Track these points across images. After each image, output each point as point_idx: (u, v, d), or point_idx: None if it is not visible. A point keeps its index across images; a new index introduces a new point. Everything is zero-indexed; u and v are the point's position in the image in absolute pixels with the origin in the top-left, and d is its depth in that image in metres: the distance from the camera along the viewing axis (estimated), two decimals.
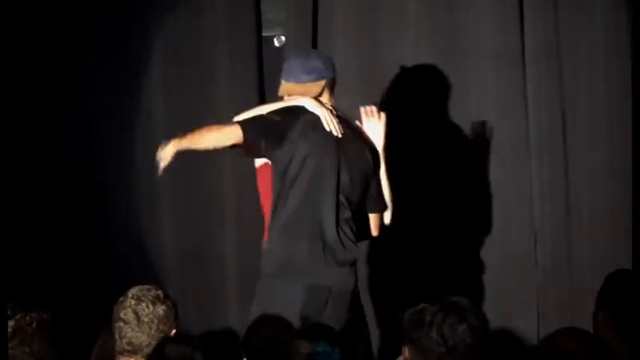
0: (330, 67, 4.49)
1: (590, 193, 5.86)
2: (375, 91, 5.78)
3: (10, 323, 3.55)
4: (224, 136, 4.32)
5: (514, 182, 5.87)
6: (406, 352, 3.82)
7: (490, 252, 5.83)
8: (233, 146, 4.34)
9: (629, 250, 5.78)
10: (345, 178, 4.39)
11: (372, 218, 4.59)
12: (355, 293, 4.45)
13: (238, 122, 4.37)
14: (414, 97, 5.90)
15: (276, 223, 4.39)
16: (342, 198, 4.38)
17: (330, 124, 4.39)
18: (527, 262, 5.89)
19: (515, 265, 5.87)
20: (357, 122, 4.63)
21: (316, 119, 4.40)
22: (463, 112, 5.88)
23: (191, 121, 6.04)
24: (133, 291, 3.72)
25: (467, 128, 5.86)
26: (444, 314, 3.52)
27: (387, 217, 4.67)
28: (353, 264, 4.44)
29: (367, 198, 4.53)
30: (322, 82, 4.46)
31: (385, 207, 4.59)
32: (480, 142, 5.85)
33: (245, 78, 6.00)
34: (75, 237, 5.96)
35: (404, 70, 5.86)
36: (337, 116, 4.45)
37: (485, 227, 5.85)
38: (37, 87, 5.89)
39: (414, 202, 5.74)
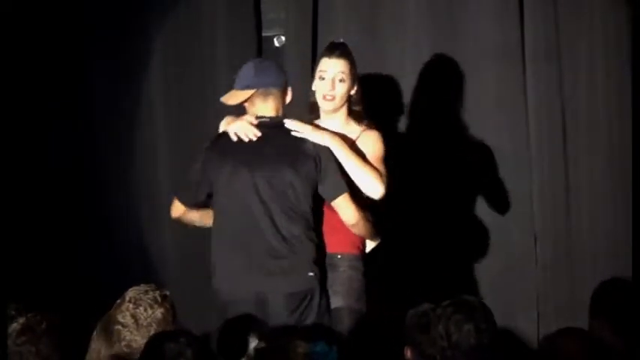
0: (263, 79, 4.49)
1: (590, 193, 5.85)
2: (375, 90, 5.78)
3: (21, 320, 3.56)
4: (174, 209, 4.67)
5: (514, 182, 5.87)
6: (408, 352, 3.82)
7: (490, 252, 5.84)
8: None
9: (629, 250, 5.78)
10: (263, 181, 4.41)
11: (336, 206, 4.50)
12: (298, 299, 4.41)
13: (175, 195, 4.65)
14: (414, 97, 5.89)
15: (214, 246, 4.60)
16: (270, 204, 4.40)
17: (241, 134, 4.46)
18: (527, 262, 5.89)
19: (515, 265, 5.87)
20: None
21: (227, 138, 4.50)
22: (463, 112, 5.87)
23: (191, 121, 6.06)
24: (131, 294, 3.71)
25: (467, 128, 5.86)
26: (454, 310, 3.53)
27: (371, 193, 4.57)
28: (302, 268, 4.42)
29: (321, 189, 4.48)
30: (249, 92, 4.50)
31: (339, 191, 4.46)
32: (479, 141, 5.86)
33: None
34: (75, 237, 5.96)
35: (404, 70, 5.86)
36: (259, 124, 4.47)
37: (486, 227, 5.85)
38: (37, 87, 5.89)
39: (414, 202, 5.74)
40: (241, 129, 4.49)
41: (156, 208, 6.06)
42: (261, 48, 6.04)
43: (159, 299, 3.69)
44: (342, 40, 4.79)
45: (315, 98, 4.72)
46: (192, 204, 4.62)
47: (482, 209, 5.84)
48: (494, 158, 5.84)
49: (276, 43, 6.11)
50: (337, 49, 4.71)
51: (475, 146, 5.85)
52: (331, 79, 4.65)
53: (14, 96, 5.76)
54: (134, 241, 6.05)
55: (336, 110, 4.70)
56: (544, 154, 5.86)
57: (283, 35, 6.07)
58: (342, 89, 4.67)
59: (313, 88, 4.72)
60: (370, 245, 4.72)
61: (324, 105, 4.69)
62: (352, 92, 4.72)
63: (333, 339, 3.60)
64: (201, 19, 6.06)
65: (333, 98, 4.66)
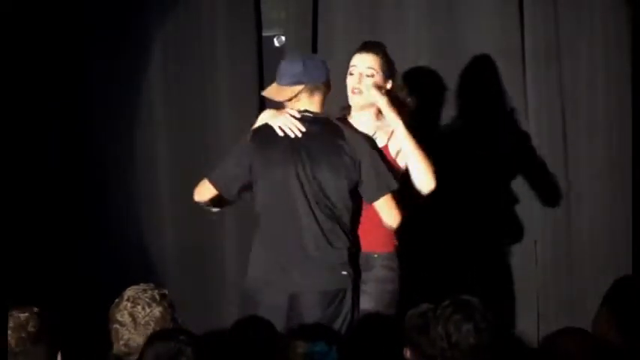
0: (313, 74, 4.46)
1: (590, 193, 5.85)
2: None
3: (12, 321, 3.54)
4: (202, 192, 4.56)
5: (514, 182, 5.87)
6: (407, 353, 3.82)
7: (490, 252, 5.83)
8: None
9: (629, 251, 5.78)
10: (308, 177, 4.39)
11: (377, 207, 4.49)
12: (335, 296, 4.40)
13: (207, 177, 4.55)
14: (414, 97, 5.89)
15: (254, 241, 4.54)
16: (311, 200, 4.39)
17: (286, 128, 4.42)
18: (527, 262, 5.89)
19: (515, 265, 5.87)
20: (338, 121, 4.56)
21: (270, 131, 4.46)
22: (463, 112, 5.87)
23: (191, 121, 6.06)
24: (129, 292, 3.71)
25: (467, 128, 5.86)
26: (453, 310, 3.53)
27: (422, 186, 4.57)
28: (337, 266, 4.41)
29: (361, 190, 4.47)
30: (298, 88, 4.47)
31: (381, 192, 4.45)
32: (479, 142, 5.86)
33: (245, 78, 6.00)
34: (75, 237, 5.96)
35: (404, 70, 5.85)
36: (302, 119, 4.44)
37: (486, 227, 5.85)
38: (37, 87, 5.88)
39: (413, 202, 5.73)
40: (287, 123, 4.44)
41: (156, 208, 6.06)
42: (261, 48, 6.03)
43: (157, 298, 3.69)
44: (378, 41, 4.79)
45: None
46: (227, 193, 4.53)
47: (482, 209, 5.84)
48: (494, 158, 5.85)
49: (276, 43, 6.10)
50: (368, 45, 4.71)
51: (475, 146, 5.85)
52: (359, 73, 4.64)
53: (14, 96, 5.75)
54: (134, 241, 6.05)
55: (365, 107, 4.66)
56: (544, 154, 5.86)
57: (283, 35, 6.07)
58: (370, 83, 4.64)
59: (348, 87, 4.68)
60: None
61: (351, 99, 4.67)
62: (386, 87, 4.68)
63: (333, 339, 3.60)
64: (201, 19, 6.05)
65: (360, 92, 4.64)
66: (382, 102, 4.57)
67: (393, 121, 4.54)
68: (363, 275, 4.54)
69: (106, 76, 6.02)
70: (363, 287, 4.53)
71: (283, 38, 6.07)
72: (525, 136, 5.86)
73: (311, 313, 4.32)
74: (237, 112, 5.89)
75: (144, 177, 6.09)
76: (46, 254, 5.86)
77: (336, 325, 4.34)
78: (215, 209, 4.66)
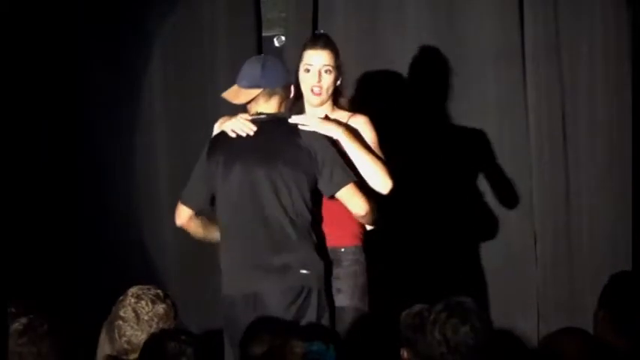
0: (270, 78, 4.43)
1: (590, 193, 5.85)
2: (375, 91, 5.78)
3: (23, 321, 3.54)
4: (178, 214, 4.58)
5: (514, 182, 5.87)
6: (405, 353, 3.82)
7: (490, 252, 5.83)
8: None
9: (629, 250, 5.78)
10: (258, 178, 4.38)
11: (342, 199, 4.43)
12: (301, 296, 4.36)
13: (179, 200, 4.57)
14: (414, 97, 5.89)
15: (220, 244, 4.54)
16: (268, 198, 4.37)
17: (238, 130, 4.42)
18: (527, 262, 5.89)
19: (515, 265, 5.87)
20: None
21: (224, 137, 4.46)
22: (463, 112, 5.87)
23: (191, 121, 6.07)
24: (133, 290, 3.72)
25: (467, 128, 5.86)
26: (448, 314, 3.52)
27: (379, 188, 4.50)
28: (296, 264, 4.37)
29: (321, 184, 4.42)
30: (255, 91, 4.44)
31: (342, 183, 4.39)
32: (480, 141, 5.86)
33: None
34: (75, 237, 5.96)
35: (404, 70, 5.86)
36: (254, 120, 4.42)
37: (486, 227, 5.85)
38: (36, 88, 5.88)
39: (414, 201, 5.74)
40: (237, 125, 4.44)
41: (156, 208, 6.07)
42: (261, 48, 6.04)
43: (161, 295, 3.70)
44: (322, 31, 4.76)
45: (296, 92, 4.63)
46: (197, 207, 4.55)
47: (482, 208, 5.84)
48: (495, 156, 5.85)
49: (276, 43, 6.11)
50: (320, 40, 4.64)
51: (475, 144, 5.85)
52: (317, 71, 4.58)
53: (14, 95, 5.75)
54: (134, 241, 6.05)
55: (322, 103, 4.63)
56: (544, 154, 5.86)
57: (283, 35, 6.07)
58: (328, 81, 4.59)
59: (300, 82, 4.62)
60: (369, 227, 4.65)
61: (311, 99, 4.61)
62: (337, 83, 4.63)
63: (331, 338, 3.60)
64: (201, 19, 6.06)
65: (321, 91, 4.58)
66: (336, 130, 4.50)
67: (334, 132, 4.46)
68: (334, 271, 4.49)
69: (105, 76, 6.03)
70: (335, 284, 4.49)
71: (283, 38, 6.07)
72: (525, 138, 5.87)
73: (272, 311, 4.29)
74: (237, 113, 5.87)
75: (144, 177, 6.10)
76: (46, 255, 5.86)
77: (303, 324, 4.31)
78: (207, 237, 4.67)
